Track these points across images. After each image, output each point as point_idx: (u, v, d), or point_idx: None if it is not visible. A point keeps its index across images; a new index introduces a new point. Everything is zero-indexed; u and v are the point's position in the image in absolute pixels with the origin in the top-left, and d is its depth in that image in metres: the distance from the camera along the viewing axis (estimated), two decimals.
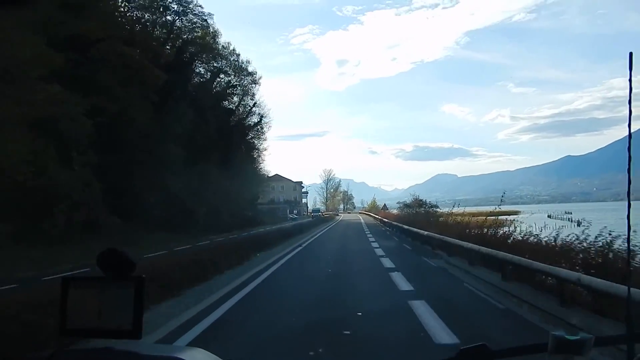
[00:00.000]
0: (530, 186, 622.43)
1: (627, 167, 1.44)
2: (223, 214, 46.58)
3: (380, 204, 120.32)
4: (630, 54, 1.39)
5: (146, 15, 40.91)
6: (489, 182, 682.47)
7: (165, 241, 25.99)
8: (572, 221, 72.60)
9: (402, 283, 11.60)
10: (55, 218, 23.18)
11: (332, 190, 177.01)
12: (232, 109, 54.92)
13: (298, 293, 11.01)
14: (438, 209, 36.82)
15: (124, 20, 36.60)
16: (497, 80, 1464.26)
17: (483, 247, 13.45)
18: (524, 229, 16.73)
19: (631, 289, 1.95)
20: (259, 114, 60.47)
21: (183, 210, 35.46)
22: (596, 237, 10.24)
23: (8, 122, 19.80)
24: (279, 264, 16.04)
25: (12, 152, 19.96)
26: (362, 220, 62.78)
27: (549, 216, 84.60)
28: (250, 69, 55.03)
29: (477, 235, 16.88)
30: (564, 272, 8.72)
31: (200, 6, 43.25)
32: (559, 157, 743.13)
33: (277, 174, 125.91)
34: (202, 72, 49.17)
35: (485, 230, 17.69)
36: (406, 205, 46.12)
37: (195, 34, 44.50)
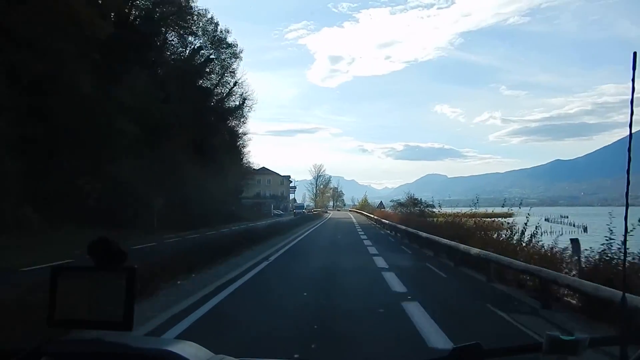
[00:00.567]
0: (519, 189, 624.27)
1: (627, 167, 1.34)
2: (193, 208, 39.56)
3: (371, 202, 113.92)
4: (634, 54, 1.29)
5: None
6: (478, 183, 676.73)
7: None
8: (574, 226, 68.62)
9: None
10: None
11: (321, 186, 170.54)
12: (209, 88, 47.65)
13: None
14: (434, 209, 34.31)
15: None
16: (489, 82, 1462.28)
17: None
18: (527, 233, 14.27)
19: None
20: (242, 95, 53.09)
21: (135, 202, 28.46)
22: None
23: None
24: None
25: None
26: (353, 220, 56.41)
27: (547, 219, 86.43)
28: (230, 39, 47.71)
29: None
30: None
31: None
32: (549, 161, 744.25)
33: (263, 167, 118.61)
34: (175, 43, 41.96)
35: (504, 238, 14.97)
36: (400, 204, 42.98)
37: None
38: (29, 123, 22.04)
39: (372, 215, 50.14)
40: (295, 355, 5.42)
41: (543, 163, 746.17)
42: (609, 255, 8.81)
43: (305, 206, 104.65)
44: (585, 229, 60.18)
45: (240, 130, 79.99)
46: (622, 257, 7.89)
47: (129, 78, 28.05)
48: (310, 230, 33.59)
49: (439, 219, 26.19)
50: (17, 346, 1.31)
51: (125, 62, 28.77)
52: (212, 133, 44.28)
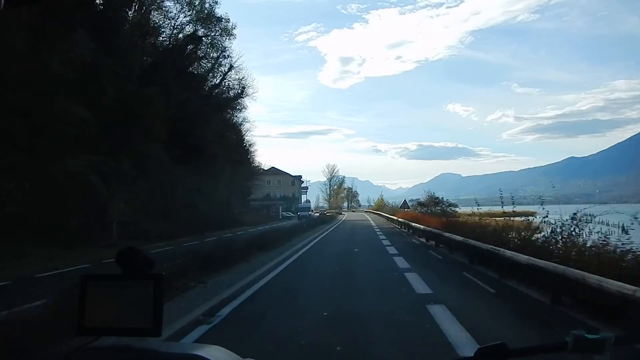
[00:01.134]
0: (533, 187, 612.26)
1: None
2: (178, 214, 32.42)
3: (387, 202, 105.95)
4: None
5: None
6: (492, 182, 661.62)
7: None
8: (607, 224, 63.90)
9: None
10: None
11: (335, 187, 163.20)
12: (201, 74, 40.27)
13: None
14: (457, 209, 32.40)
15: None
16: (501, 80, 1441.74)
17: None
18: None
19: None
20: (239, 81, 45.46)
21: (84, 210, 21.28)
22: None
23: None
24: None
25: None
26: (371, 222, 48.35)
27: (574, 218, 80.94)
28: (218, 11, 39.15)
29: None
30: None
31: None
32: (562, 159, 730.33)
33: (273, 167, 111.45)
34: (154, 19, 34.59)
35: None
36: (420, 204, 39.16)
37: None
38: None
39: (395, 217, 40.82)
40: None
41: (557, 161, 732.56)
42: None
43: (311, 208, 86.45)
44: (623, 229, 54.37)
45: (242, 124, 73.45)
46: None
47: (70, 42, 20.64)
48: (315, 240, 24.54)
49: (470, 220, 22.13)
50: (48, 354, 1.22)
51: (70, 22, 21.36)
52: (203, 126, 36.99)
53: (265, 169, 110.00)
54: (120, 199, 21.48)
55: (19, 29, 18.19)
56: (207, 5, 36.81)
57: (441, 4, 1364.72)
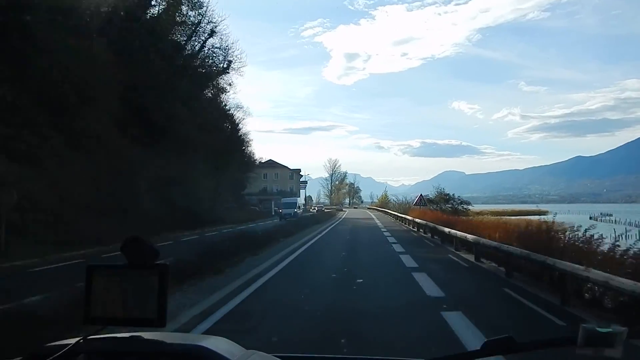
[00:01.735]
0: (538, 185, 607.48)
1: None
2: (139, 208, 26.07)
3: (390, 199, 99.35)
4: None
5: None
6: (497, 180, 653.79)
7: None
8: (632, 225, 54.89)
9: None
10: None
11: (337, 182, 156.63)
12: (175, 41, 33.41)
13: None
14: (470, 207, 31.02)
15: None
16: (508, 78, 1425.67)
17: None
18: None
19: None
20: (224, 50, 38.50)
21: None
22: None
23: None
24: None
25: None
26: (377, 222, 40.16)
27: (591, 217, 71.20)
28: None
29: None
30: None
31: None
32: (569, 158, 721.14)
33: (270, 160, 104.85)
34: None
35: None
36: (429, 201, 35.83)
37: None
38: None
39: (409, 217, 31.91)
40: None
41: (564, 160, 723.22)
42: None
43: (299, 203, 63.72)
44: None
45: (232, 110, 66.87)
46: None
47: None
48: (292, 256, 15.48)
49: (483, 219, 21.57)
50: (56, 343, 1.31)
51: None
52: (173, 101, 30.31)
53: (263, 161, 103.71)
54: (12, 187, 14.78)
55: None
56: None
57: (450, 1, 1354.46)
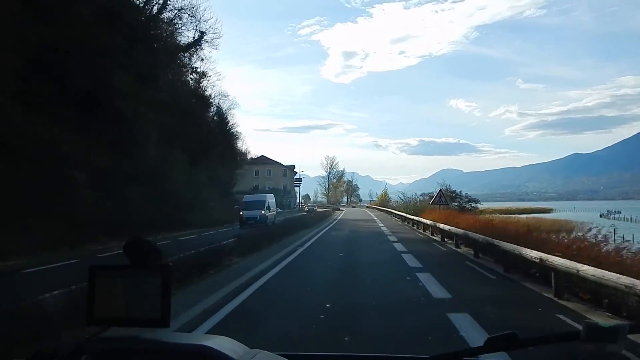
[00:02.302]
0: (536, 183, 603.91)
1: None
2: (65, 207, 19.22)
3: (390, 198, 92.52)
4: None
5: None
6: (494, 178, 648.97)
7: None
8: None
9: None
10: None
11: (334, 180, 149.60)
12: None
13: None
14: (479, 204, 29.73)
15: None
16: (505, 75, 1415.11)
17: None
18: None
19: None
20: (192, 17, 31.33)
21: None
22: None
23: None
24: None
25: None
26: (380, 225, 32.20)
27: (601, 216, 70.11)
28: None
29: None
30: None
31: None
32: (566, 155, 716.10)
33: (263, 156, 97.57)
34: None
35: None
36: (431, 198, 31.34)
37: None
38: None
39: (424, 220, 24.26)
40: None
41: (561, 157, 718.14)
42: None
43: (268, 202, 38.23)
44: None
45: (214, 97, 59.78)
46: None
47: None
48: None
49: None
50: (59, 344, 1.29)
51: None
52: (110, 69, 23.04)
53: (254, 157, 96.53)
54: None
55: None
56: None
57: None
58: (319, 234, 24.54)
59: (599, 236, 11.11)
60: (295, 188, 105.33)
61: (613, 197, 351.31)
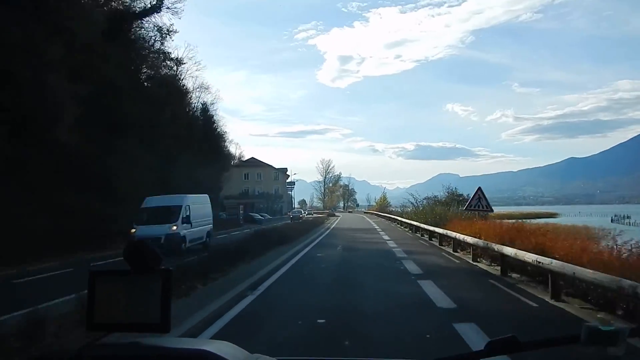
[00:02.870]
0: (533, 187, 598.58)
1: None
2: None
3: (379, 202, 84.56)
4: None
5: None
6: (491, 182, 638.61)
7: None
8: None
9: None
10: None
11: (330, 184, 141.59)
12: None
13: None
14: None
15: None
16: (501, 80, 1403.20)
17: None
18: None
19: None
20: None
21: None
22: None
23: None
24: None
25: None
26: (385, 238, 23.80)
27: (612, 220, 67.12)
28: None
29: None
30: None
31: None
32: (563, 159, 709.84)
33: (252, 158, 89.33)
34: None
35: None
36: (438, 202, 29.98)
37: None
38: None
39: (463, 238, 15.40)
40: None
41: (557, 161, 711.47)
42: None
43: (185, 211, 20.52)
44: None
45: (190, 89, 51.91)
46: None
47: None
48: None
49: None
50: (59, 350, 1.27)
51: None
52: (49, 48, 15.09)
53: (244, 159, 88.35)
54: None
55: None
56: None
57: (443, 3, 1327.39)
58: (298, 256, 16.18)
59: None
60: (289, 192, 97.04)
61: (610, 201, 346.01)
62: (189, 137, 45.78)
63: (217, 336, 6.37)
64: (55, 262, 16.52)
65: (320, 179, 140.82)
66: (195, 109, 55.81)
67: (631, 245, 9.18)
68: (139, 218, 20.11)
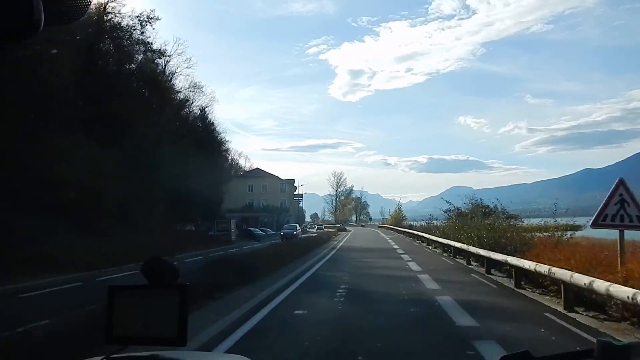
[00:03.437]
0: (547, 199, 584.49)
1: None
2: None
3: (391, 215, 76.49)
4: None
5: None
6: (505, 194, 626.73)
7: None
8: None
9: None
10: None
11: (342, 197, 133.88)
12: None
13: None
14: (521, 221, 20.04)
15: None
16: (513, 91, 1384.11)
17: None
18: None
19: None
20: None
21: None
22: None
23: None
24: None
25: None
26: (430, 285, 11.67)
27: None
28: None
29: None
30: None
31: None
32: (577, 170, 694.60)
33: (257, 168, 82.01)
34: None
35: None
36: (459, 214, 24.29)
37: None
38: None
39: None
40: None
41: (572, 172, 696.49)
42: None
43: None
44: None
45: (179, 90, 45.13)
46: None
47: None
48: None
49: None
50: None
51: None
52: None
53: (248, 169, 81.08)
54: None
55: None
56: None
57: (453, 16, 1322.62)
58: (249, 324, 7.84)
59: None
60: (299, 204, 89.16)
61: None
62: (178, 141, 38.72)
63: None
64: None
65: (332, 192, 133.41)
66: (189, 111, 48.92)
67: None
68: None
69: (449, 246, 21.10)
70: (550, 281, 9.62)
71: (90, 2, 0.97)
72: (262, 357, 5.76)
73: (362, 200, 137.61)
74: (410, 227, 45.71)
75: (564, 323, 7.59)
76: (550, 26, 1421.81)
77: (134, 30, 35.73)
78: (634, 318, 6.94)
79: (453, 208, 28.36)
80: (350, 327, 7.57)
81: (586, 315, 8.08)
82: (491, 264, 13.96)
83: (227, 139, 62.76)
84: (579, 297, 8.50)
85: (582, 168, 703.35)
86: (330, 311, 8.84)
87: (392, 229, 60.61)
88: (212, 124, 56.01)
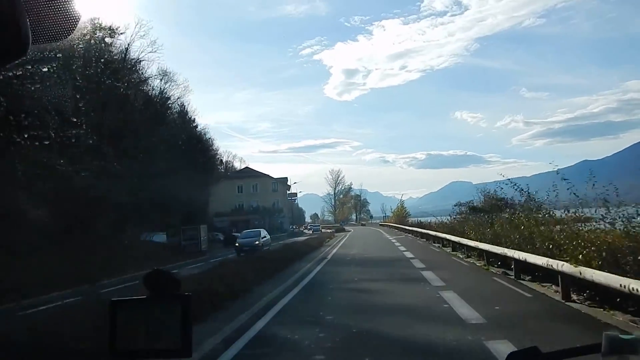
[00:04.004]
0: (546, 192, 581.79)
1: None
2: None
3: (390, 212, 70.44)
4: None
5: None
6: (505, 188, 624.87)
7: None
8: None
9: None
10: None
11: (341, 196, 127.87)
12: None
13: None
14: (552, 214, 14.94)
15: None
16: (509, 85, 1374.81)
17: None
18: None
19: None
20: None
21: None
22: None
23: None
24: None
25: None
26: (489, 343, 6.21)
27: None
28: None
29: None
30: None
31: None
32: (575, 162, 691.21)
33: (247, 167, 75.73)
34: None
35: None
36: (473, 209, 23.03)
37: None
38: None
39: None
40: None
41: (570, 164, 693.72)
42: None
43: None
44: None
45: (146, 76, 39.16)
46: None
47: None
48: None
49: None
50: None
51: None
52: None
53: (238, 169, 74.81)
54: None
55: None
56: None
57: (445, 12, 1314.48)
58: None
59: None
60: (297, 204, 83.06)
61: (628, 203, 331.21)
62: (143, 136, 32.60)
63: None
64: None
65: (330, 190, 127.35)
66: (160, 99, 42.71)
67: None
68: None
69: (508, 257, 12.97)
70: None
71: (79, 19, 0.91)
72: None
73: (362, 199, 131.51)
74: (420, 224, 39.30)
75: None
76: (542, 20, 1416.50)
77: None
78: None
79: (464, 202, 25.68)
80: None
81: None
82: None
83: (213, 137, 56.74)
84: None
85: (580, 160, 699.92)
86: None
87: (395, 227, 54.42)
88: (193, 120, 50.09)
